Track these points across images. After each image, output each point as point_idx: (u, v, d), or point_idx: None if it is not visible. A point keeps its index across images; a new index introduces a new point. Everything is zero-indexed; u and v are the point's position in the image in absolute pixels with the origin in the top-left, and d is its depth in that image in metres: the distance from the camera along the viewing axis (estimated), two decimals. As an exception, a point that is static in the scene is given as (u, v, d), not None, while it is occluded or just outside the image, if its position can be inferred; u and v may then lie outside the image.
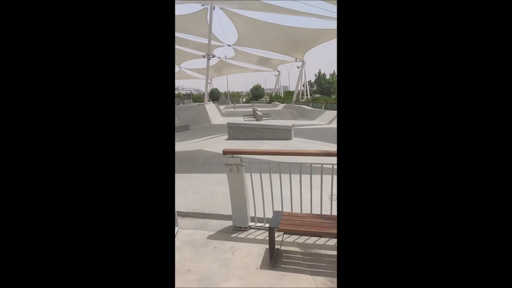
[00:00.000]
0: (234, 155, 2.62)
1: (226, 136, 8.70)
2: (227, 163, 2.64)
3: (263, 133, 7.91)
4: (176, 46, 26.99)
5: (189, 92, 56.20)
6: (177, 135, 10.25)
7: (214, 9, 17.94)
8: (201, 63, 31.40)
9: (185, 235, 2.77)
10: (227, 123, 8.77)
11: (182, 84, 75.11)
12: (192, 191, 3.92)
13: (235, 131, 8.24)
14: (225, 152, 2.63)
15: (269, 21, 20.49)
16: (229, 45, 26.88)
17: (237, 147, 6.85)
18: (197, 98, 39.89)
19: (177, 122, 12.50)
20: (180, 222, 3.00)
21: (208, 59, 19.18)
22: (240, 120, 13.87)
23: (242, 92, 64.77)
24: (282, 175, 2.74)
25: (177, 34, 23.37)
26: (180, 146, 7.77)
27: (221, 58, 29.70)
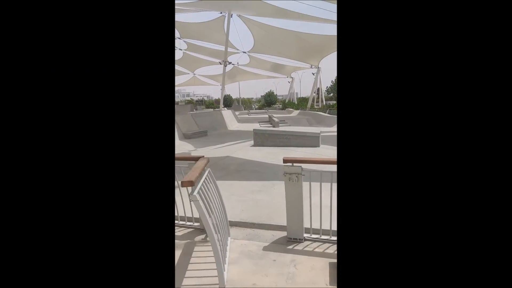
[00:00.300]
0: (295, 164, 2.53)
1: (251, 142, 8.63)
2: (287, 172, 2.55)
3: (290, 139, 7.80)
4: (192, 53, 27.38)
5: (201, 98, 56.81)
6: (196, 141, 10.30)
7: (232, 17, 18.12)
8: (215, 69, 31.81)
9: (239, 246, 2.68)
10: (253, 129, 8.69)
11: (193, 90, 76.16)
12: (234, 199, 3.84)
13: (261, 138, 8.16)
14: (285, 161, 2.54)
15: (286, 27, 20.54)
16: (244, 52, 27.06)
17: (267, 154, 6.78)
18: (209, 104, 40.23)
19: (195, 128, 12.63)
20: (230, 231, 2.91)
21: (225, 66, 19.30)
22: (257, 126, 13.82)
23: (252, 98, 64.99)
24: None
25: (193, 41, 23.72)
26: (204, 152, 7.73)
27: (235, 65, 29.89)
